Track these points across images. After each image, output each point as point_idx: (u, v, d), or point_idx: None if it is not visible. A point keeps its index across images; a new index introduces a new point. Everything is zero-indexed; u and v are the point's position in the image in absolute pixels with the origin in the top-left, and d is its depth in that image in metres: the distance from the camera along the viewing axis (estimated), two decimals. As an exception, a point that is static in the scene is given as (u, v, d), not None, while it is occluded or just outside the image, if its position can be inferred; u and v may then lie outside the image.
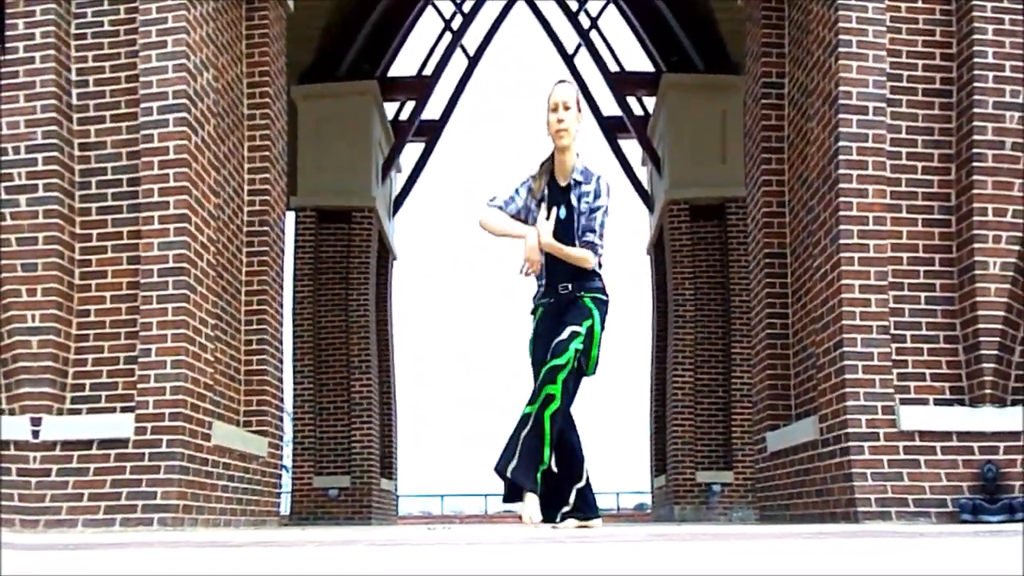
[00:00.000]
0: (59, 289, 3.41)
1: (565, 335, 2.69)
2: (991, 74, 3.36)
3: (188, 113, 3.58)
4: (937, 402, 3.37)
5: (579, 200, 2.77)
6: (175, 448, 3.38)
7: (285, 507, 8.70)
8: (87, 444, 3.35)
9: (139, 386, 3.41)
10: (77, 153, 3.59)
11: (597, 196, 2.76)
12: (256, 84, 4.56)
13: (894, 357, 3.35)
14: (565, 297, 2.83)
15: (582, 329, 2.70)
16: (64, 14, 3.63)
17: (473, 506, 18.30)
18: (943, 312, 3.39)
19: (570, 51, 9.12)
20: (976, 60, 3.36)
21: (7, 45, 3.52)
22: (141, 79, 3.59)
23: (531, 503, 2.64)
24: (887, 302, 3.35)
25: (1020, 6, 3.41)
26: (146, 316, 3.43)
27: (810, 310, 3.93)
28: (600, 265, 2.87)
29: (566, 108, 2.69)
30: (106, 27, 3.67)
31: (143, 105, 3.57)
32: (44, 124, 3.44)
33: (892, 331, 3.35)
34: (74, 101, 3.62)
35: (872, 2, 3.53)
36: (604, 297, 2.85)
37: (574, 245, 2.79)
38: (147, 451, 3.37)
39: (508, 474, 2.62)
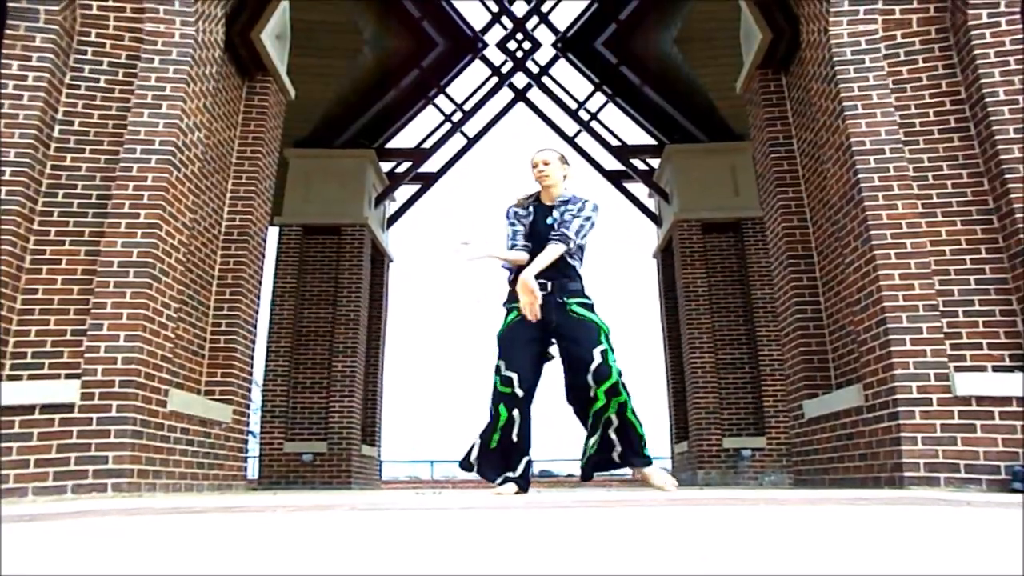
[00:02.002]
0: (5, 271, 3.73)
1: (598, 358, 3.34)
2: (1006, 108, 3.75)
3: (173, 156, 4.07)
4: (996, 369, 3.55)
5: (562, 213, 3.51)
6: (127, 413, 3.62)
7: (253, 472, 8.95)
8: (29, 409, 3.56)
9: (87, 355, 3.70)
10: (48, 171, 4.01)
11: (582, 209, 3.49)
12: (248, 144, 5.28)
13: (945, 330, 3.64)
14: (548, 300, 3.39)
15: (606, 344, 3.36)
16: (61, 65, 4.09)
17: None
18: (996, 290, 3.68)
19: (571, 134, 9.91)
20: (988, 100, 3.77)
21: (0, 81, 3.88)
22: (129, 128, 4.05)
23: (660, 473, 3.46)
24: (932, 285, 3.70)
25: (1022, 47, 3.77)
26: (100, 297, 3.80)
27: (845, 296, 4.31)
28: (580, 263, 3.50)
29: (545, 164, 3.57)
30: (102, 84, 4.18)
31: (127, 146, 4.02)
32: (19, 147, 3.87)
33: (941, 308, 3.67)
34: (55, 134, 4.06)
35: (872, 72, 4.04)
36: (589, 301, 3.44)
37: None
38: (95, 416, 3.60)
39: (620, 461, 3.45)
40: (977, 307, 3.68)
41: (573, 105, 9.86)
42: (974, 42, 3.86)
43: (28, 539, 1.52)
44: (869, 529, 1.45)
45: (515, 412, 3.39)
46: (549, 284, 3.41)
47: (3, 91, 3.92)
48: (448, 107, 9.88)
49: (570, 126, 10.00)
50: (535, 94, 9.96)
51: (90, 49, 4.19)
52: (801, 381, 4.77)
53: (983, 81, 3.80)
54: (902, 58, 4.07)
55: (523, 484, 3.40)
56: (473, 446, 3.48)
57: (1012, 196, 3.64)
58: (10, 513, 2.25)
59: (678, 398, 9.22)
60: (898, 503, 2.19)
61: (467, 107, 9.79)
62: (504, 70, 9.72)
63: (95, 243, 3.90)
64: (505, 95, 9.99)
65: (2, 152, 3.83)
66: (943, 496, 2.64)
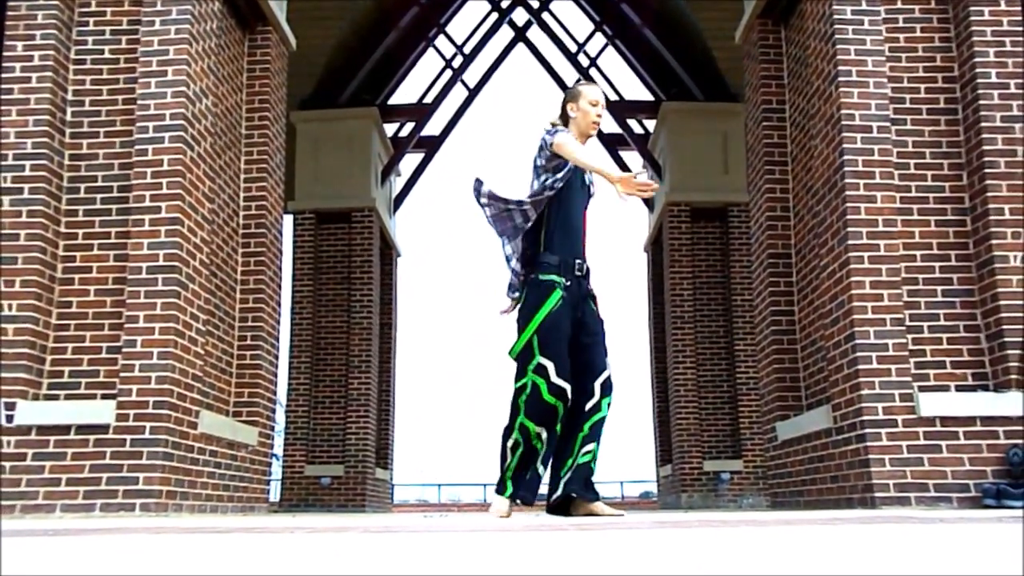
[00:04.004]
0: (39, 282, 3.51)
1: (609, 369, 2.82)
2: (996, 92, 3.52)
3: (184, 132, 3.76)
4: (959, 388, 3.42)
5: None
6: (159, 435, 3.44)
7: (275, 494, 8.76)
8: (64, 429, 3.40)
9: (122, 375, 3.48)
10: (67, 162, 3.75)
11: None
12: (255, 109, 4.84)
13: (911, 347, 3.44)
14: (581, 283, 2.82)
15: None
16: (64, 40, 3.82)
17: (471, 495, 18.49)
18: (962, 303, 3.49)
19: (570, 86, 9.47)
20: (980, 81, 3.53)
21: (4, 64, 3.66)
22: (139, 102, 3.77)
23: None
24: (901, 296, 3.46)
25: (1020, 28, 3.56)
26: (132, 310, 3.54)
27: (818, 306, 4.03)
28: None
29: (604, 107, 2.96)
30: (106, 55, 3.89)
31: (139, 124, 3.73)
32: (35, 136, 3.61)
33: (908, 323, 3.45)
34: (68, 117, 3.80)
35: (870, 35, 3.71)
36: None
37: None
38: (129, 437, 3.42)
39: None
40: (943, 322, 3.48)
41: (573, 48, 9.44)
42: (972, 17, 3.60)
43: (52, 552, 1.45)
44: (848, 546, 1.39)
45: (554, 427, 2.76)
46: (585, 266, 2.79)
47: (10, 75, 3.65)
48: (448, 51, 9.48)
49: (569, 76, 9.52)
50: (535, 34, 9.49)
51: (91, 19, 3.89)
52: (775, 402, 4.55)
53: (977, 60, 3.54)
54: (900, 24, 3.78)
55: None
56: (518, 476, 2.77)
57: (988, 194, 3.41)
58: (35, 527, 2.18)
59: (662, 418, 8.95)
60: (872, 522, 2.11)
61: (467, 49, 9.37)
62: (504, 4, 9.37)
63: (122, 245, 3.63)
64: (505, 36, 9.53)
65: (20, 143, 3.58)
66: (915, 515, 2.55)
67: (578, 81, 3.19)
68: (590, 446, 2.79)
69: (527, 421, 2.72)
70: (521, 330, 2.77)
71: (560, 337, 2.73)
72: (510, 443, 2.76)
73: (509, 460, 2.76)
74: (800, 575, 1.00)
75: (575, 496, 2.81)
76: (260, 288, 4.65)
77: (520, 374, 2.76)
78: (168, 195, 3.65)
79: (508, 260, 2.86)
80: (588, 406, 2.79)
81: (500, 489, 2.80)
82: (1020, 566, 0.99)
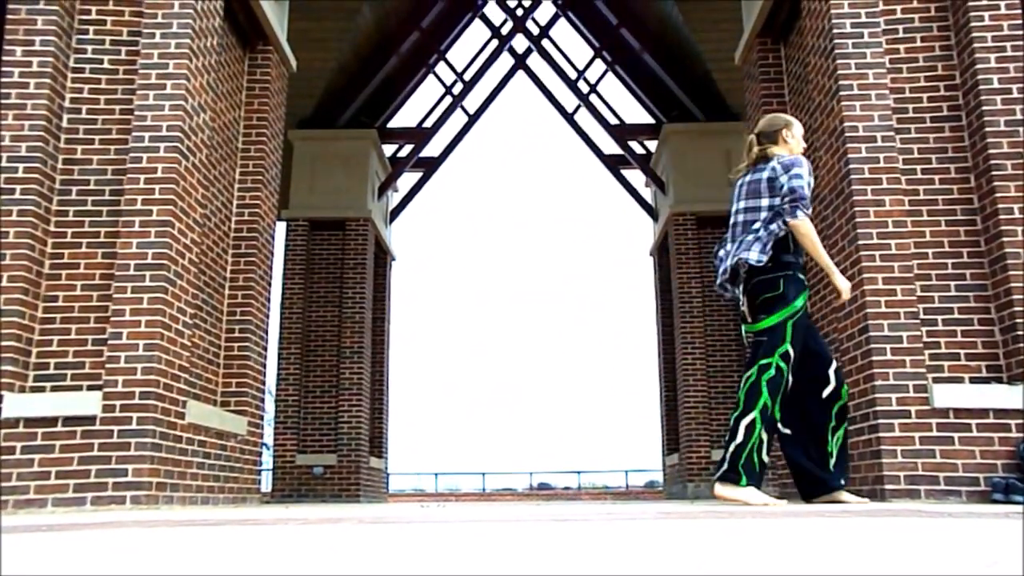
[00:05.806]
0: (26, 277, 3.61)
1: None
2: (999, 98, 3.63)
3: (180, 144, 3.90)
4: (973, 380, 3.50)
5: None
6: (147, 425, 3.54)
7: (266, 485, 8.87)
8: (51, 421, 3.49)
9: (107, 366, 3.59)
10: (60, 166, 3.87)
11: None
12: (253, 126, 5.04)
13: (925, 339, 3.54)
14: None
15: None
16: (64, 47, 3.93)
17: (469, 484, 18.67)
18: (976, 297, 3.59)
19: (570, 110, 9.68)
20: (982, 87, 3.63)
21: (3, 69, 3.75)
22: (136, 113, 3.88)
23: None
24: (914, 291, 3.57)
25: (1020, 32, 3.64)
26: (119, 304, 3.66)
27: (830, 301, 4.17)
28: None
29: None
30: (106, 65, 4.01)
31: (135, 134, 3.86)
32: (30, 140, 3.72)
33: (922, 316, 3.56)
34: (64, 124, 3.91)
35: (870, 48, 3.84)
36: None
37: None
38: (116, 428, 3.51)
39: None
40: (956, 315, 3.59)
41: (573, 74, 9.63)
42: (972, 24, 3.70)
43: (47, 549, 1.50)
44: (854, 541, 1.43)
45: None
46: None
47: (9, 79, 3.76)
48: (448, 77, 9.69)
49: (569, 101, 9.80)
50: (535, 61, 9.77)
51: (91, 28, 4.00)
52: (787, 391, 4.71)
53: (978, 67, 3.66)
54: (900, 35, 3.90)
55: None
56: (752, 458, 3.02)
57: (997, 195, 3.52)
58: (28, 523, 2.23)
59: (670, 407, 9.11)
60: (881, 515, 2.17)
61: (467, 76, 9.59)
62: (504, 31, 9.54)
63: (111, 244, 3.75)
64: (504, 63, 9.93)
65: (14, 147, 3.69)
66: (924, 508, 2.61)
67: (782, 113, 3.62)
68: (840, 432, 3.15)
69: (770, 401, 3.04)
70: (775, 311, 3.10)
71: (802, 333, 3.13)
72: (745, 422, 3.03)
73: (741, 440, 3.02)
74: (805, 572, 1.04)
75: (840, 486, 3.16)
76: (249, 285, 4.83)
77: (768, 353, 3.08)
78: (160, 200, 3.79)
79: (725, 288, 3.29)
80: (826, 393, 3.12)
81: (733, 478, 3.02)
82: (1020, 565, 1.03)
